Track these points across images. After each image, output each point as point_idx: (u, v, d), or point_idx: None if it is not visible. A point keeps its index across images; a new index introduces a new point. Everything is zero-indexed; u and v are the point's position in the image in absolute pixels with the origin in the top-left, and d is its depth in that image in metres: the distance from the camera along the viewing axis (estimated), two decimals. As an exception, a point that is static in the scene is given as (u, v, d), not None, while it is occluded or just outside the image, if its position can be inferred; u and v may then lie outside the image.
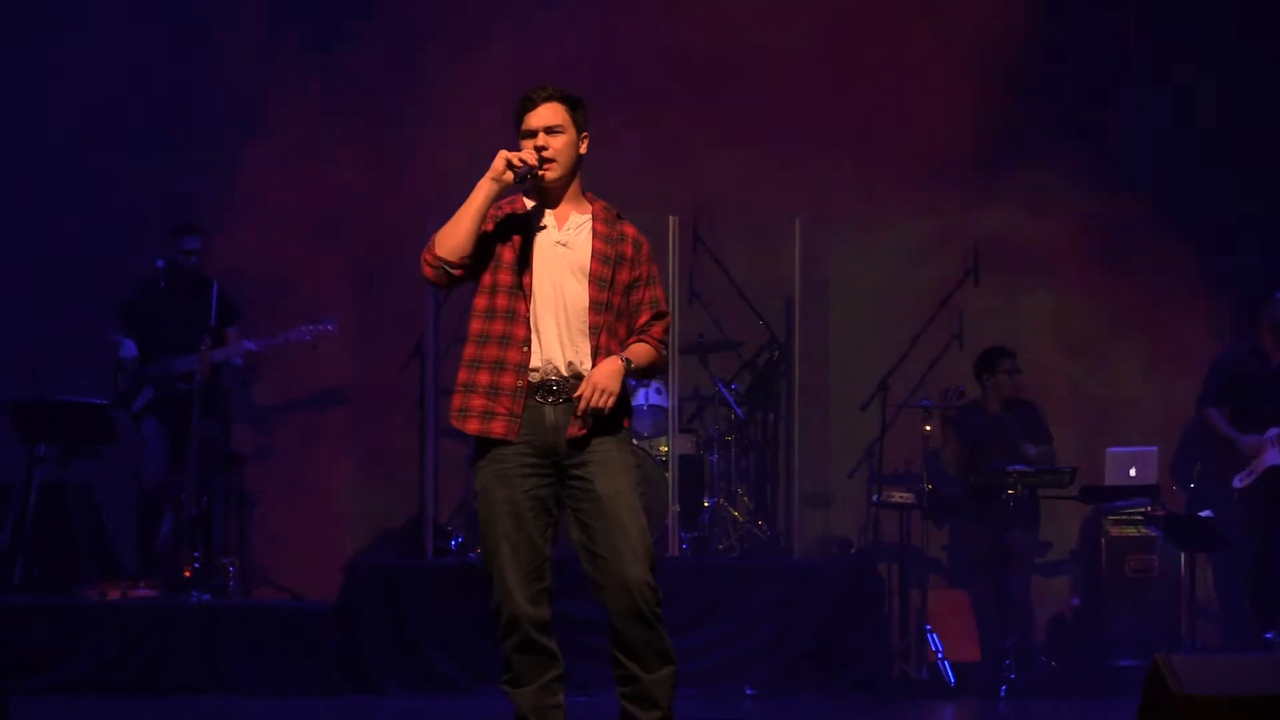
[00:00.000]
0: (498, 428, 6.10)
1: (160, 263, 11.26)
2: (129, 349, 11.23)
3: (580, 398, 6.05)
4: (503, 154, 6.10)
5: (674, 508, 11.02)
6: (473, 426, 6.14)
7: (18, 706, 6.91)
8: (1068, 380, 12.56)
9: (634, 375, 6.20)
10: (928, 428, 11.62)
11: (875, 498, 11.50)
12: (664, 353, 6.34)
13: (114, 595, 10.85)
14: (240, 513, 11.27)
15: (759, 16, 12.64)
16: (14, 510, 11.20)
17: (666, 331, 6.37)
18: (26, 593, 11.01)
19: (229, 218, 12.10)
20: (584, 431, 6.09)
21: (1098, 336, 12.64)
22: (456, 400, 6.19)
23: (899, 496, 11.36)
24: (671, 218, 10.95)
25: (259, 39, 12.53)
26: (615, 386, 6.07)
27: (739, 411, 11.74)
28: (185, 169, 12.29)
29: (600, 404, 6.04)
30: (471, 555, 11.05)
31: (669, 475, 11.01)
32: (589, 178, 6.39)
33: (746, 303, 11.84)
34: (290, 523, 12.15)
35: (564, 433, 6.10)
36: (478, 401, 6.14)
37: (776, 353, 11.83)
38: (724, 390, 11.70)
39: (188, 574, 10.88)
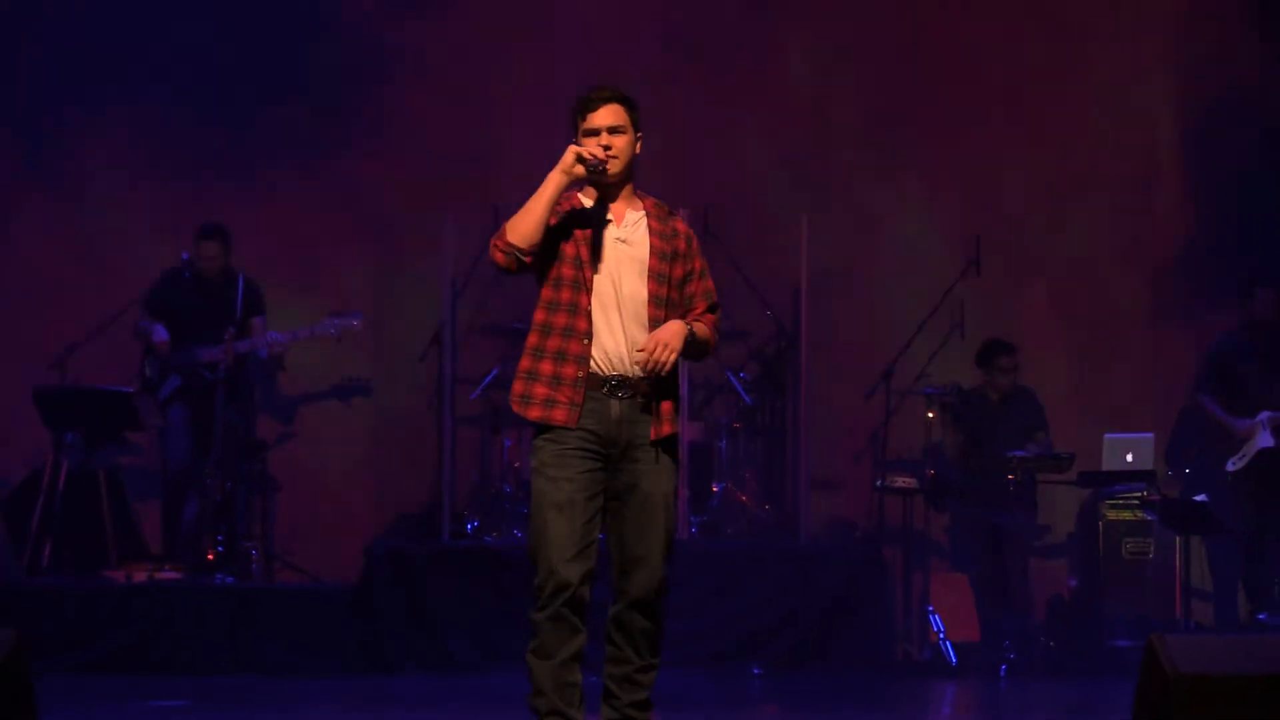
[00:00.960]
0: (559, 415, 6.15)
1: (185, 255, 11.29)
2: (160, 333, 11.22)
3: (642, 351, 6.10)
4: (573, 149, 6.17)
5: (684, 493, 11.05)
6: (535, 414, 6.17)
7: (49, 685, 6.93)
8: (1066, 367, 12.55)
9: (691, 345, 6.21)
10: (930, 415, 11.64)
11: (879, 483, 11.51)
12: (715, 339, 6.37)
13: (140, 578, 10.88)
14: (263, 498, 11.30)
15: (767, 10, 12.66)
16: (43, 495, 11.24)
17: (718, 322, 6.39)
18: (55, 575, 11.07)
19: (253, 213, 12.10)
20: (649, 395, 6.17)
21: (1096, 325, 12.63)
22: (518, 387, 6.23)
23: (902, 482, 11.37)
24: (681, 210, 10.94)
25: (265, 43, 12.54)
26: (678, 345, 6.13)
27: (747, 399, 11.77)
28: (209, 166, 12.31)
29: (662, 357, 6.08)
30: (487, 539, 11.10)
31: (679, 461, 11.03)
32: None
33: (755, 294, 11.84)
34: (311, 508, 12.15)
35: (627, 426, 6.17)
36: (540, 390, 6.18)
37: (784, 342, 11.86)
38: (733, 379, 11.73)
39: (211, 557, 10.91)
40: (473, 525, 11.23)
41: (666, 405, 6.24)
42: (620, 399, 6.16)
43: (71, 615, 10.52)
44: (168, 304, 11.34)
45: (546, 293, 6.21)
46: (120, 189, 12.35)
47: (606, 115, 6.21)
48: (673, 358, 6.11)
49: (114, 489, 11.58)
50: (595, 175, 6.18)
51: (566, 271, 6.19)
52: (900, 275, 12.42)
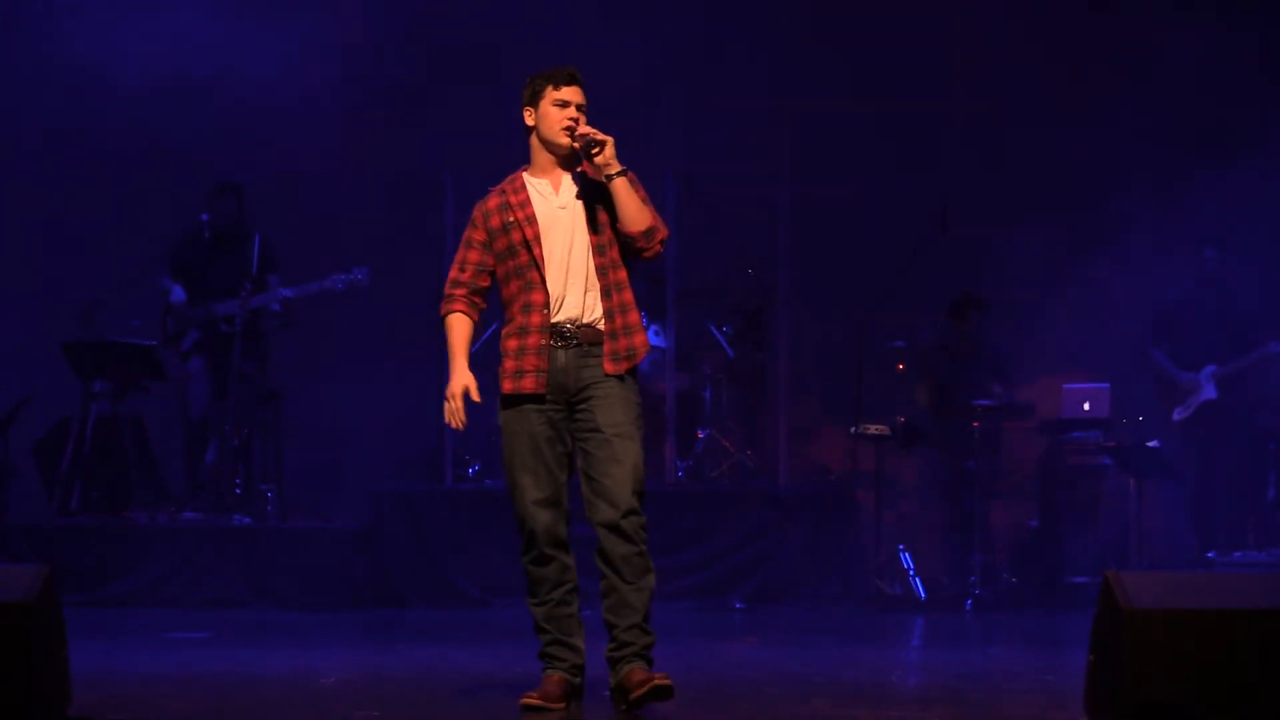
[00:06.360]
0: (527, 384, 6.19)
1: (204, 216, 11.29)
2: (177, 294, 11.26)
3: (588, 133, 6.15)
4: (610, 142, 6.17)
5: (671, 439, 11.10)
6: (506, 386, 6.23)
7: (77, 618, 6.91)
8: (1030, 320, 12.50)
9: (626, 193, 6.16)
10: (900, 366, 11.63)
11: (853, 430, 11.50)
12: (659, 225, 6.26)
13: (163, 518, 10.90)
14: (277, 443, 11.27)
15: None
16: (72, 441, 11.24)
17: (655, 218, 6.27)
18: (84, 515, 11.08)
19: (267, 175, 12.08)
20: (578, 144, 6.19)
21: (1057, 279, 12.57)
22: (501, 373, 6.27)
23: (875, 429, 11.37)
24: (670, 172, 10.99)
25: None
26: (612, 150, 6.13)
27: (730, 352, 11.76)
28: (226, 130, 12.30)
29: (598, 136, 6.12)
30: (487, 481, 11.12)
31: (666, 410, 11.08)
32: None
33: (737, 253, 11.83)
34: (322, 453, 12.15)
35: (573, 371, 6.18)
36: (509, 364, 6.23)
37: (764, 299, 11.84)
38: (716, 333, 11.72)
39: (230, 499, 10.91)
40: (474, 469, 11.26)
41: (610, 347, 6.21)
42: (566, 349, 6.18)
43: (99, 553, 10.59)
44: (188, 262, 11.34)
45: (507, 286, 6.26)
46: (142, 150, 12.34)
47: (577, 93, 6.28)
48: (608, 143, 6.11)
49: (138, 435, 11.57)
50: (587, 152, 6.19)
51: (522, 257, 6.21)
52: (873, 234, 12.37)
